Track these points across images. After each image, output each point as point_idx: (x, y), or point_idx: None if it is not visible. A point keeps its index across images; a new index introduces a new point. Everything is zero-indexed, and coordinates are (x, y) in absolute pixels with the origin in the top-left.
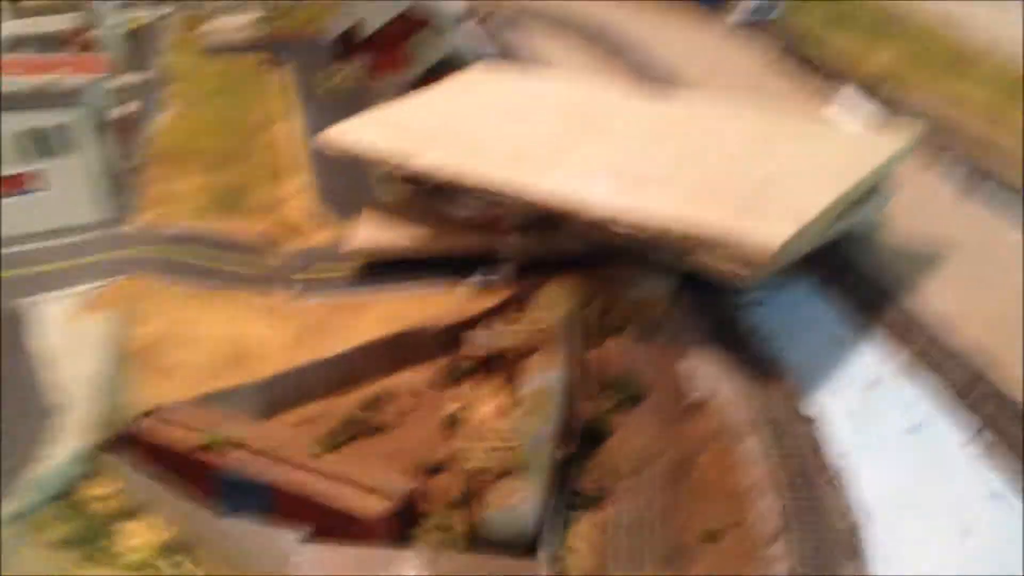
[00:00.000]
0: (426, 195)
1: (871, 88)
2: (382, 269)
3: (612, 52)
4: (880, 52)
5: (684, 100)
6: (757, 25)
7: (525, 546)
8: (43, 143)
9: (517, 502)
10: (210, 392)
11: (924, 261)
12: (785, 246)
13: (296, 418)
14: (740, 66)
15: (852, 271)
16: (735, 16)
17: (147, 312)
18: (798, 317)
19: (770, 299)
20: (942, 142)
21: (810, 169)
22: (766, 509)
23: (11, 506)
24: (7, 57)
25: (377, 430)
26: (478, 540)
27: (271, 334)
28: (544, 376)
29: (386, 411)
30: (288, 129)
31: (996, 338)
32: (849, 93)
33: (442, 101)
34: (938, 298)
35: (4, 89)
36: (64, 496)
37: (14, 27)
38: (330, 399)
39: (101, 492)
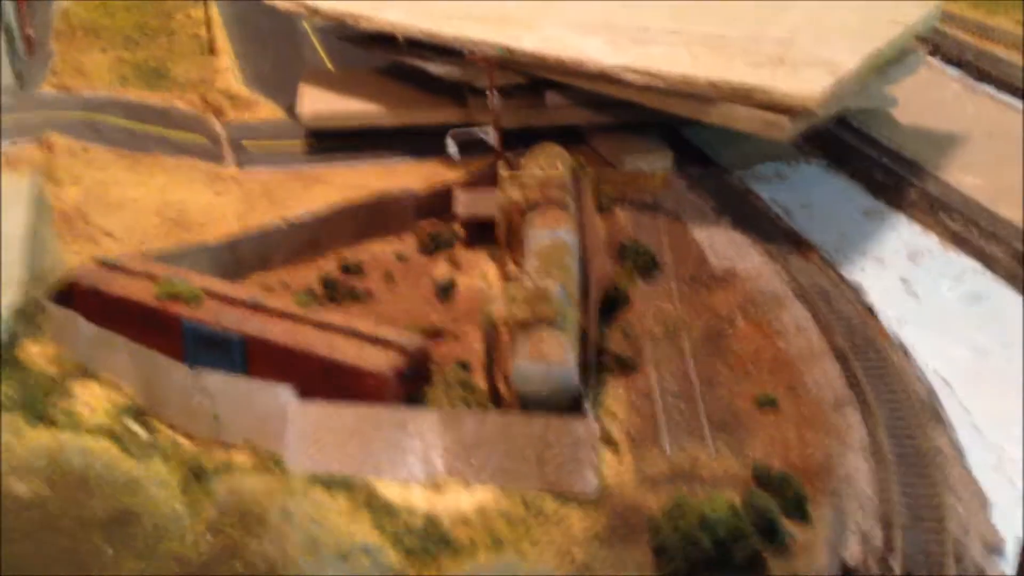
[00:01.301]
0: (389, 57)
1: None
2: (333, 144)
3: None
4: None
5: None
6: None
7: (562, 403)
8: None
9: (554, 353)
10: (152, 252)
11: (941, 142)
12: (827, 95)
13: (256, 283)
14: None
15: (866, 150)
16: None
17: (69, 174)
18: (815, 194)
19: (781, 176)
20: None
21: (835, 26)
22: (824, 375)
23: None
24: None
25: (360, 295)
26: (502, 399)
27: (215, 200)
28: (555, 231)
29: (369, 277)
30: (205, 8)
31: None
32: None
33: None
34: (965, 177)
35: None
36: (3, 354)
37: None
38: (294, 266)
39: (46, 350)
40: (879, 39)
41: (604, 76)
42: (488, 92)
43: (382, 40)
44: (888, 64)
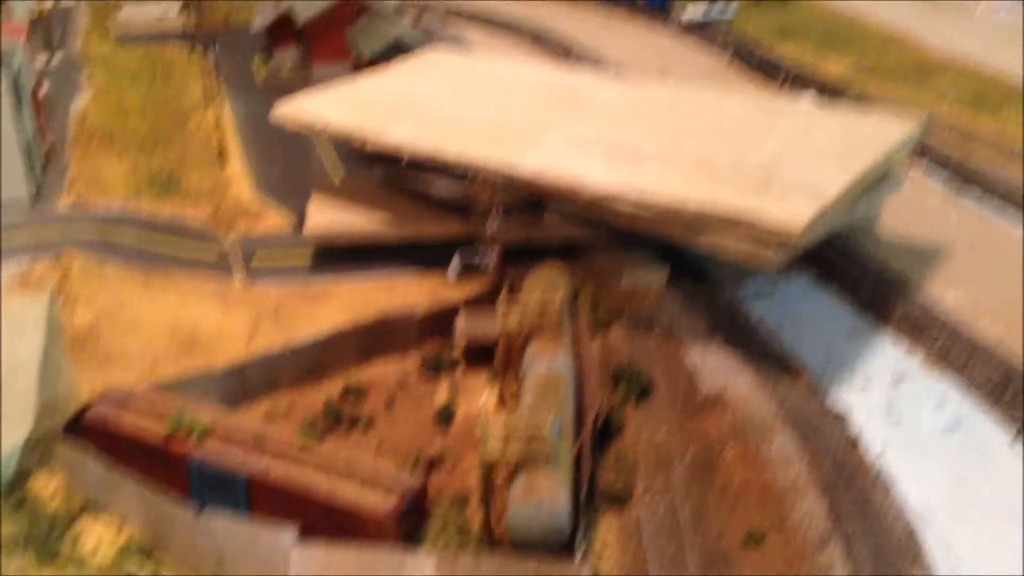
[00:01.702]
0: (394, 175)
1: (833, 94)
2: (339, 256)
3: (558, 51)
4: (834, 61)
5: (662, 85)
6: (706, 28)
7: (554, 545)
8: None
9: (546, 496)
10: (162, 380)
11: (925, 256)
12: (811, 225)
13: (263, 410)
14: (693, 67)
15: (852, 265)
16: (684, 16)
17: (83, 295)
18: (804, 311)
19: (771, 292)
20: (920, 144)
21: (819, 149)
22: (810, 510)
23: None
24: None
25: (361, 422)
26: (496, 539)
27: (224, 320)
28: (551, 362)
29: (370, 401)
30: (217, 116)
31: (1015, 332)
32: (811, 98)
33: (402, 79)
34: (948, 292)
35: None
36: (11, 491)
37: None
38: (299, 390)
39: (52, 486)
40: (862, 162)
41: (599, 200)
42: (490, 216)
43: (387, 158)
44: (872, 184)
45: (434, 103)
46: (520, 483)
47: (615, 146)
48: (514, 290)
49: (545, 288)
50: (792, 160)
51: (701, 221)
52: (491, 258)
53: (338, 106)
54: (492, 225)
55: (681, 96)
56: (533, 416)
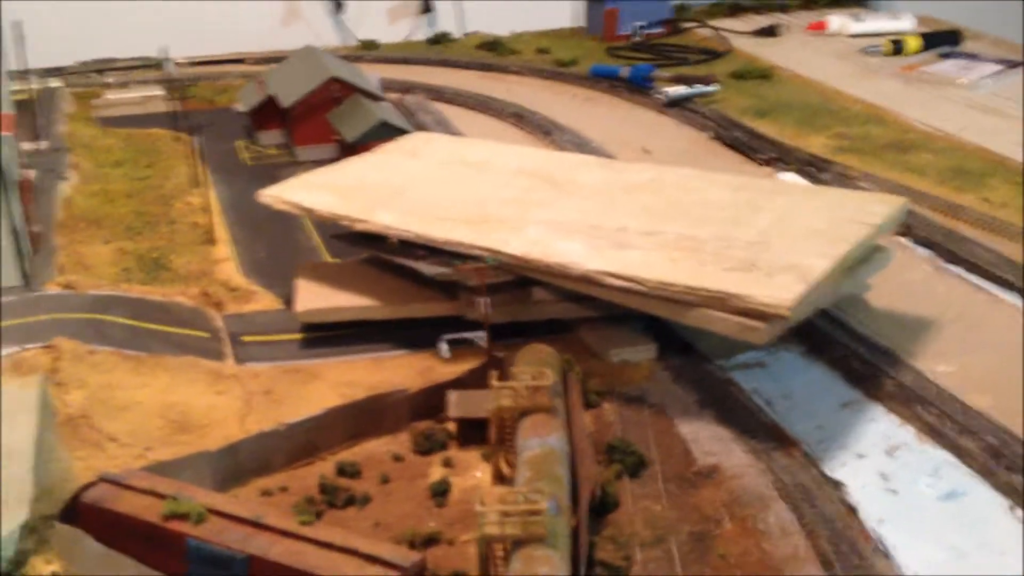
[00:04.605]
0: (379, 255)
1: (815, 171)
2: (328, 334)
3: (539, 131)
4: (814, 137)
5: (644, 167)
6: (686, 104)
7: None
8: None
9: (547, 573)
10: (156, 462)
11: (913, 328)
12: (800, 302)
13: (256, 489)
14: (675, 145)
15: (841, 339)
16: (666, 93)
17: (74, 378)
18: (795, 384)
19: (760, 365)
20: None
21: (805, 228)
22: None
23: None
24: None
25: (357, 500)
26: None
27: (216, 401)
28: (545, 439)
29: (364, 480)
30: (202, 199)
31: (1009, 402)
32: (793, 176)
33: (384, 164)
34: (938, 365)
35: None
36: (11, 573)
37: None
38: (292, 469)
39: (52, 569)
40: (847, 241)
41: (586, 279)
42: (479, 299)
43: (373, 239)
44: (860, 260)
45: (419, 187)
46: (519, 560)
47: (599, 228)
48: (504, 368)
49: (536, 365)
50: (779, 239)
51: (691, 297)
52: (481, 337)
53: (323, 190)
54: (482, 304)
55: (664, 177)
56: (530, 493)
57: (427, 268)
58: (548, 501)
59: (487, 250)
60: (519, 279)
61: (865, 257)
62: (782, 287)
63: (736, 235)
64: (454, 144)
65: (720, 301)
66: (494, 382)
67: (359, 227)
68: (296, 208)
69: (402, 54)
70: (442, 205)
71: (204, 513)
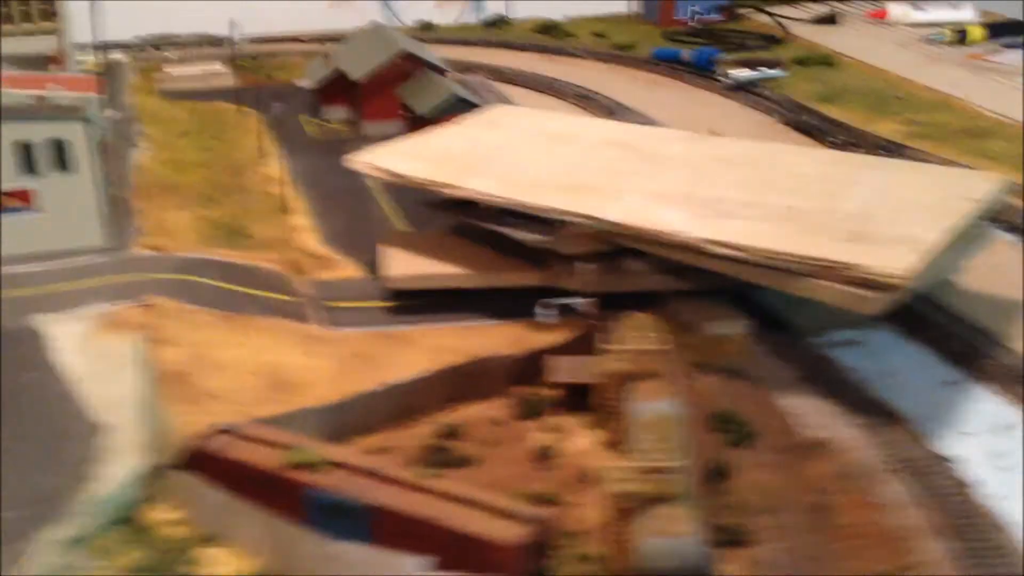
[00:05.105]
0: (467, 223)
1: (887, 155)
2: (413, 302)
3: (604, 112)
4: (884, 123)
5: (732, 141)
6: (752, 91)
7: None
8: (47, 157)
9: (681, 530)
10: (260, 418)
11: (1006, 309)
12: (915, 270)
13: (360, 450)
14: (743, 128)
15: (938, 319)
16: (729, 77)
17: (171, 336)
18: (893, 362)
19: (853, 342)
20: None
21: (909, 201)
22: (933, 554)
23: (70, 530)
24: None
25: (463, 461)
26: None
27: (311, 362)
28: (658, 404)
29: (467, 443)
30: (273, 171)
31: None
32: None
33: (467, 134)
34: None
35: (4, 101)
36: (127, 520)
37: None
38: (392, 431)
39: (169, 516)
40: (954, 215)
41: (689, 247)
42: (582, 266)
43: (463, 206)
44: (961, 240)
45: (506, 156)
46: (653, 520)
47: (696, 197)
48: (604, 335)
49: (639, 334)
50: (882, 212)
51: (801, 266)
52: (582, 303)
53: (414, 158)
54: (584, 271)
55: (755, 150)
56: (656, 454)
57: (524, 235)
58: (675, 461)
59: (584, 216)
60: (612, 250)
61: (971, 235)
62: (897, 257)
63: (838, 207)
64: (535, 116)
65: (831, 271)
66: (604, 345)
67: (449, 193)
68: (387, 174)
69: (459, 36)
70: (532, 173)
71: (325, 463)
